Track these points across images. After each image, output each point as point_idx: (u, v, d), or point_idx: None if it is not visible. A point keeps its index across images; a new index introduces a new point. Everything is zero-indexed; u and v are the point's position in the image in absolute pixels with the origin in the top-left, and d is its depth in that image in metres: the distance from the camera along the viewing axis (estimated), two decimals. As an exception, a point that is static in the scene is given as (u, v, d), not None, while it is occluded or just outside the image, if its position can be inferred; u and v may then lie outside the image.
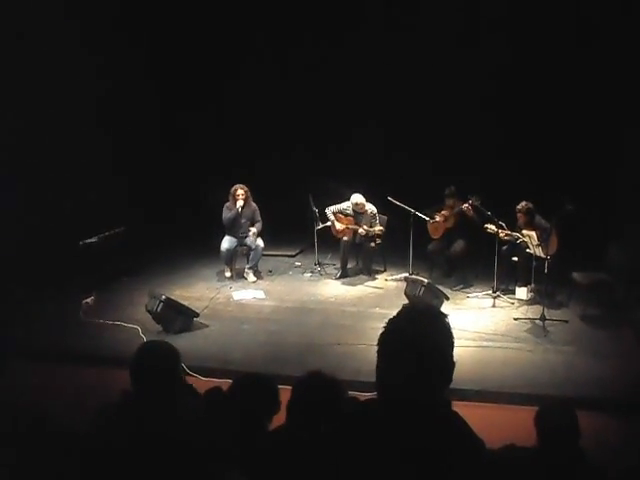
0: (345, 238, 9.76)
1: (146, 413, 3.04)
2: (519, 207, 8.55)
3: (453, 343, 2.07)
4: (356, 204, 9.67)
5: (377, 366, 2.07)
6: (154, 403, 3.09)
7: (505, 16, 10.30)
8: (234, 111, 11.62)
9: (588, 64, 9.95)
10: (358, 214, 9.75)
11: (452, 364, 2.06)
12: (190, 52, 11.37)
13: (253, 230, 9.71)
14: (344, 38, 11.00)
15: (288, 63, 11.20)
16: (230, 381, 3.63)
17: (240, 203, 9.59)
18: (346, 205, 9.85)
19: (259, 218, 9.83)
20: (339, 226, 9.82)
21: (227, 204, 9.75)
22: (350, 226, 9.76)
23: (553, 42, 10.22)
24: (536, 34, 10.26)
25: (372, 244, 9.70)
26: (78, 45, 9.50)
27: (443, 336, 2.06)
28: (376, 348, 2.08)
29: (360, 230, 9.57)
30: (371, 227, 9.56)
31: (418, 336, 2.01)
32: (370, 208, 9.71)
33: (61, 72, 9.31)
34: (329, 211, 9.91)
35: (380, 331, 2.09)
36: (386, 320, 2.09)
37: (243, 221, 9.73)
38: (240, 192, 9.62)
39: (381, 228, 9.58)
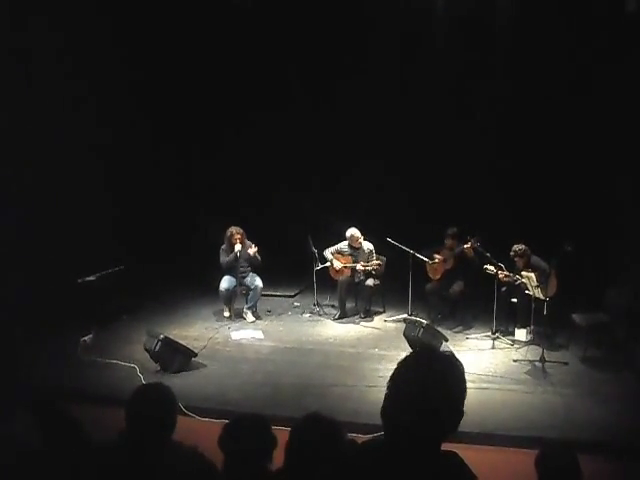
0: (342, 278, 9.76)
1: (136, 456, 3.02)
2: (514, 250, 8.56)
3: (465, 390, 2.07)
4: (351, 237, 9.71)
5: (385, 405, 2.06)
6: (145, 448, 3.06)
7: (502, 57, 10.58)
8: (235, 153, 11.69)
9: (585, 110, 10.05)
10: (354, 250, 9.78)
11: (461, 413, 2.05)
12: (194, 100, 11.55)
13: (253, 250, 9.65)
14: (345, 79, 11.14)
15: (289, 104, 11.30)
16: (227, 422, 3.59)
17: (238, 247, 9.53)
18: (343, 244, 9.89)
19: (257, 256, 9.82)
20: (337, 265, 9.82)
21: (223, 247, 9.74)
22: (348, 265, 9.77)
23: (549, 86, 10.38)
24: (533, 78, 10.44)
25: (371, 283, 9.68)
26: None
27: (457, 383, 2.06)
28: (380, 388, 2.08)
29: (358, 267, 9.60)
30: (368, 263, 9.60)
31: (433, 381, 2.01)
32: (367, 245, 9.74)
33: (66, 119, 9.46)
34: (327, 252, 9.93)
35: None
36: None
37: (241, 262, 9.71)
38: (237, 235, 9.60)
39: (379, 262, 9.58)
